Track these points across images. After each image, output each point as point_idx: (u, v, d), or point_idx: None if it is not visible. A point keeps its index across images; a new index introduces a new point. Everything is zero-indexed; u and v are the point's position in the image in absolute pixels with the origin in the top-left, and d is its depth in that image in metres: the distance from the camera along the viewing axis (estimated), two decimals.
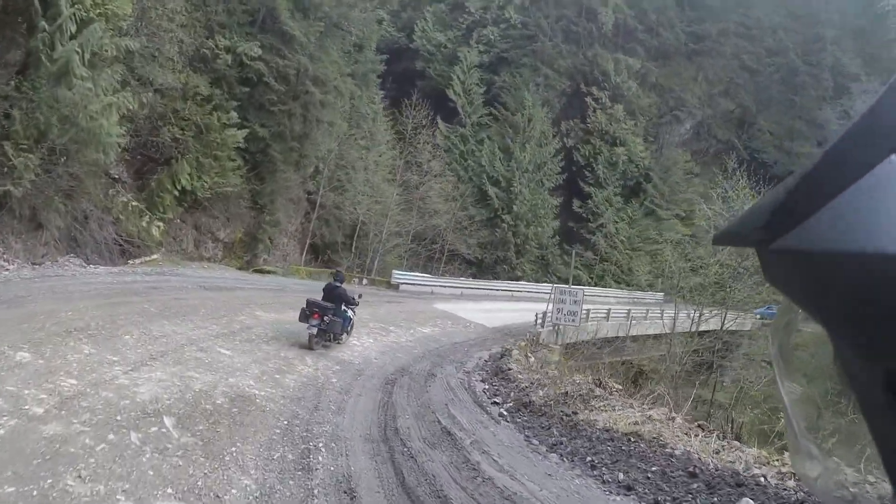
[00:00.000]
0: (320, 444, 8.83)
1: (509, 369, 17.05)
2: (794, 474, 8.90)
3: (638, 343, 38.85)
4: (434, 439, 10.05)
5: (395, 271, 39.92)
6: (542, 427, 11.72)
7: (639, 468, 9.62)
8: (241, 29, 31.80)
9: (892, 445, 0.62)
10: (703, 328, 33.10)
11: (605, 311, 36.15)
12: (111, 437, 7.43)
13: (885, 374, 0.57)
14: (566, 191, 68.10)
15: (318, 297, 15.85)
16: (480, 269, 58.21)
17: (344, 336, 16.57)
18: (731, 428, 18.04)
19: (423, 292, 37.20)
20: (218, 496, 6.67)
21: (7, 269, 17.73)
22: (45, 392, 8.33)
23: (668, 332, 35.52)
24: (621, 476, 9.23)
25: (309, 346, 15.07)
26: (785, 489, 8.77)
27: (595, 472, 9.46)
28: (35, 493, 5.85)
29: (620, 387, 17.87)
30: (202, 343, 13.09)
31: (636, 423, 11.70)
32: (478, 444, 10.11)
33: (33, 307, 13.38)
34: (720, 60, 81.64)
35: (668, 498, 8.60)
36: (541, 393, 14.31)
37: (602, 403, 13.44)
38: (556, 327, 25.99)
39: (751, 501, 8.31)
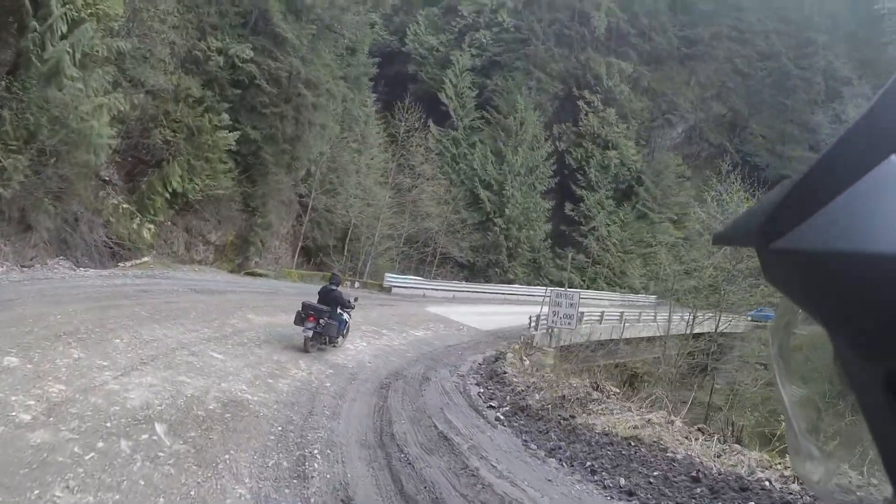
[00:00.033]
0: (316, 451, 8.63)
1: (504, 373, 16.95)
2: (798, 478, 8.75)
3: (631, 346, 38.79)
4: (431, 444, 9.88)
5: (387, 274, 39.77)
6: (540, 431, 11.59)
7: (640, 473, 9.49)
8: (233, 31, 31.59)
9: (892, 446, 0.62)
10: (696, 331, 33.02)
11: (599, 313, 36.09)
12: (100, 445, 7.23)
13: (885, 375, 0.58)
14: (558, 194, 68.19)
15: (312, 300, 15.71)
16: (472, 272, 58.14)
17: (339, 339, 16.51)
18: (732, 431, 17.98)
19: (416, 295, 37.14)
20: None
21: None
22: (32, 398, 8.14)
23: (661, 334, 35.52)
24: (622, 481, 9.11)
25: (305, 349, 15.01)
26: (790, 493, 8.68)
27: (595, 478, 9.32)
28: None
29: (618, 390, 17.76)
30: (194, 347, 12.89)
31: (635, 427, 11.61)
32: (475, 449, 9.95)
33: (22, 310, 13.19)
34: (712, 64, 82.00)
35: (671, 503, 8.46)
36: (537, 396, 14.21)
37: (600, 407, 13.35)
38: (550, 330, 25.93)
39: None
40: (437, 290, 40.69)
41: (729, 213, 32.37)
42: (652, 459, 10.05)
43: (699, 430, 12.57)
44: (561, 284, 47.36)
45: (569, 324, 23.41)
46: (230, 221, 33.96)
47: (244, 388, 10.81)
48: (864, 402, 0.62)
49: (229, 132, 30.30)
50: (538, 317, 26.49)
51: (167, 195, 28.23)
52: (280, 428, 9.32)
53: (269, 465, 7.83)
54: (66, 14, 19.24)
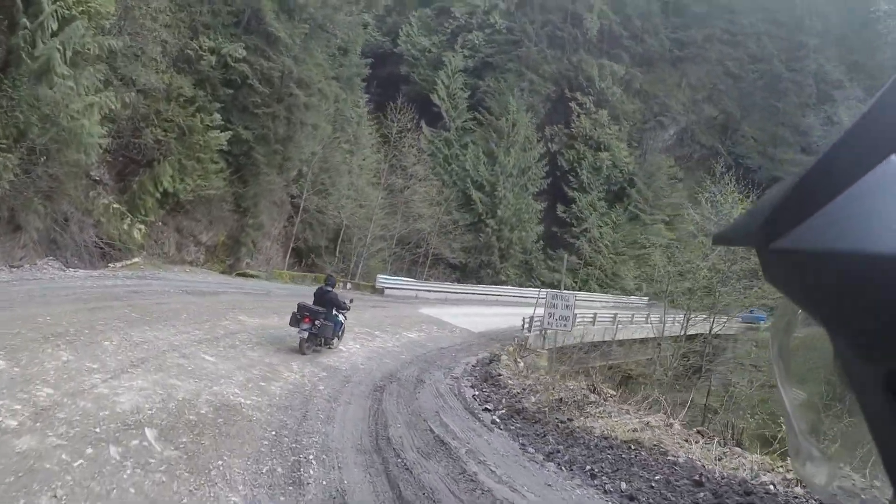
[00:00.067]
0: (311, 456, 8.46)
1: (499, 375, 16.83)
2: (800, 480, 8.68)
3: (624, 347, 38.77)
4: (428, 449, 9.73)
5: (379, 276, 39.53)
6: (537, 435, 11.46)
7: (641, 477, 9.35)
8: (225, 30, 31.45)
9: (892, 446, 0.62)
10: (690, 332, 33.00)
11: (592, 315, 36.01)
12: (89, 451, 7.04)
13: (885, 375, 0.58)
14: (550, 195, 68.26)
15: (304, 301, 15.59)
16: (464, 273, 58.12)
17: (335, 341, 16.40)
18: (732, 434, 17.91)
19: (408, 297, 36.94)
20: None
21: None
22: (19, 402, 7.95)
23: (654, 336, 35.51)
24: (623, 485, 8.96)
25: (300, 351, 14.94)
26: (796, 497, 8.59)
27: (596, 482, 9.18)
28: None
29: (614, 393, 17.67)
30: (185, 349, 12.71)
31: (635, 430, 11.49)
32: (473, 453, 9.81)
33: (9, 312, 13.02)
34: (704, 67, 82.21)
35: None
36: (533, 399, 14.08)
37: (598, 410, 13.24)
38: (544, 332, 25.83)
39: None
40: (429, 291, 40.48)
41: (723, 214, 32.39)
42: (653, 463, 9.92)
43: (699, 432, 12.49)
44: (553, 286, 47.39)
45: (564, 325, 23.28)
46: (221, 222, 33.79)
47: (237, 392, 10.64)
48: (865, 402, 0.62)
49: (221, 132, 30.13)
50: (531, 318, 26.39)
51: (158, 195, 28.07)
52: (274, 433, 9.14)
53: (264, 471, 7.65)
54: (57, 11, 19.08)
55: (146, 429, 8.01)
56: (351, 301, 17.28)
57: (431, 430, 10.74)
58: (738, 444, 13.12)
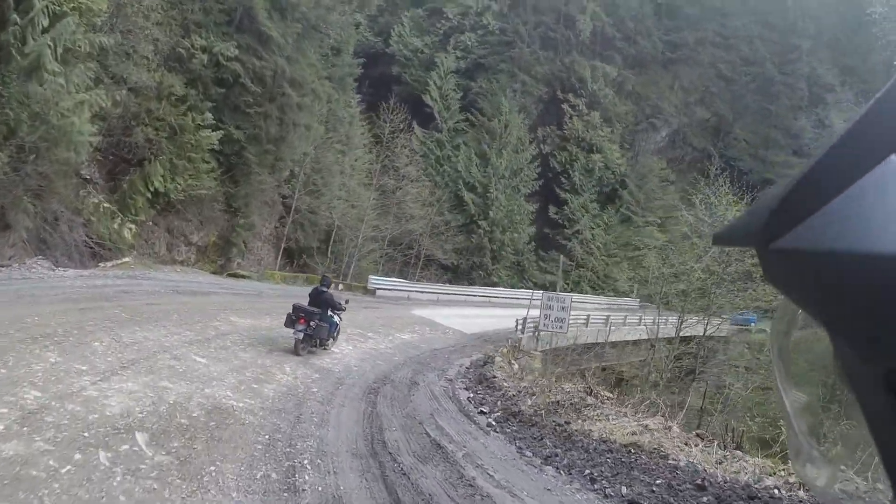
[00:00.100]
0: (305, 461, 8.29)
1: (493, 377, 16.76)
2: (803, 484, 8.59)
3: (617, 349, 38.79)
4: (424, 453, 9.59)
5: (371, 277, 39.45)
6: (534, 438, 11.35)
7: (642, 481, 9.25)
8: (217, 28, 31.25)
9: (892, 446, 0.62)
10: (683, 334, 32.98)
11: (585, 317, 35.97)
12: (78, 457, 6.84)
13: (885, 375, 0.58)
14: (542, 197, 68.27)
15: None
16: (456, 274, 58.08)
17: (330, 341, 16.34)
18: (732, 437, 17.87)
19: (400, 298, 36.88)
20: None
21: None
22: (5, 406, 7.75)
23: (647, 337, 35.54)
24: (624, 490, 8.86)
25: (295, 352, 14.87)
26: (800, 501, 8.50)
27: (596, 486, 9.07)
28: None
29: (611, 395, 17.60)
30: (176, 350, 12.53)
31: (634, 434, 11.43)
32: (470, 457, 9.69)
33: None
34: (697, 69, 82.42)
35: None
36: (529, 402, 14.00)
37: (595, 413, 13.17)
38: (537, 333, 25.81)
39: None
40: (421, 292, 40.42)
41: (717, 216, 32.41)
42: (653, 467, 9.82)
43: (698, 436, 12.45)
44: (545, 287, 47.56)
45: (560, 327, 23.25)
46: (212, 222, 33.65)
47: (229, 394, 10.47)
48: (865, 403, 0.62)
49: (212, 131, 29.98)
50: (525, 320, 26.35)
51: (149, 195, 27.91)
52: (267, 437, 8.96)
53: (258, 477, 7.47)
54: (47, 7, 18.91)
55: (136, 433, 7.82)
56: (346, 302, 17.27)
57: (427, 434, 10.61)
58: (739, 448, 13.05)
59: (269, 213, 38.46)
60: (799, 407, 0.84)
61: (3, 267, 18.96)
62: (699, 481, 9.04)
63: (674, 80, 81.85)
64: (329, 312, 15.82)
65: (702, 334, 32.75)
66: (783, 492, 8.83)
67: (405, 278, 46.57)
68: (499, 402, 13.94)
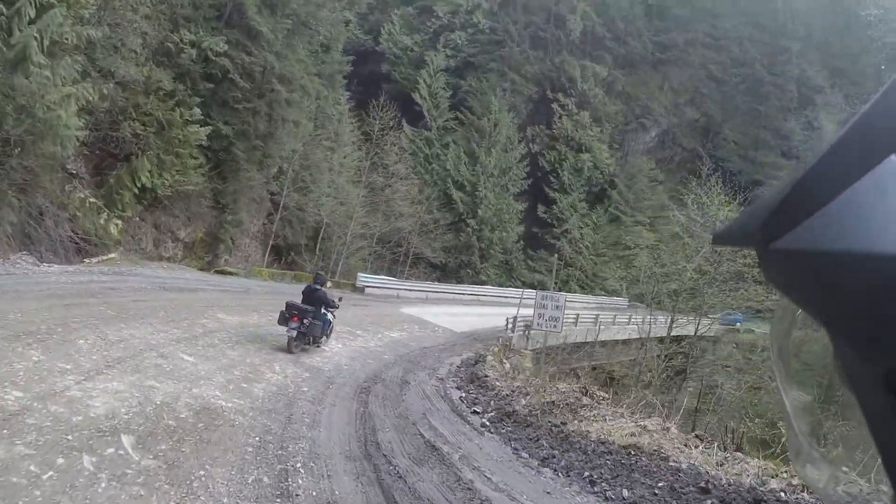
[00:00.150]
0: (298, 464, 8.05)
1: (486, 376, 16.62)
2: (806, 486, 8.54)
3: (607, 348, 38.82)
4: (419, 455, 9.40)
5: (360, 274, 39.30)
6: (530, 439, 11.18)
7: (643, 484, 9.08)
8: (206, 23, 30.98)
9: (892, 446, 0.62)
10: (673, 334, 33.00)
11: (574, 316, 35.94)
12: (60, 461, 6.55)
13: (885, 375, 0.58)
14: (531, 196, 68.53)
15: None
16: (445, 272, 58.08)
17: (323, 339, 16.32)
18: (732, 438, 17.84)
19: (389, 296, 36.81)
20: None
21: None
22: None
23: (637, 337, 35.60)
24: (626, 493, 8.71)
25: (288, 350, 14.78)
26: None
27: (596, 489, 8.91)
28: None
29: (607, 395, 17.50)
30: (163, 348, 12.26)
31: (632, 435, 11.29)
32: (466, 459, 9.50)
33: None
34: (686, 70, 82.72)
35: None
36: (523, 402, 13.85)
37: (592, 413, 13.01)
38: (527, 332, 25.76)
39: None
40: (410, 290, 40.33)
41: (709, 215, 32.46)
42: (654, 469, 9.67)
43: (697, 436, 12.35)
44: (533, 286, 47.61)
45: (554, 326, 23.15)
46: (200, 218, 33.41)
47: (217, 394, 10.22)
48: (865, 403, 0.62)
49: (201, 127, 29.67)
50: (515, 318, 26.28)
51: (136, 190, 27.61)
52: (258, 438, 8.72)
53: (249, 481, 7.22)
54: None
55: (122, 435, 7.53)
56: (340, 299, 17.18)
57: (421, 435, 10.43)
58: (739, 449, 13.00)
59: (257, 209, 38.26)
60: (799, 407, 0.84)
61: None
62: (703, 484, 8.90)
63: (663, 80, 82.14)
64: (322, 310, 15.75)
65: (693, 334, 32.78)
66: (790, 496, 8.71)
67: (394, 276, 46.61)
68: (492, 402, 13.76)
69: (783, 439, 14.25)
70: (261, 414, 9.85)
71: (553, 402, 13.61)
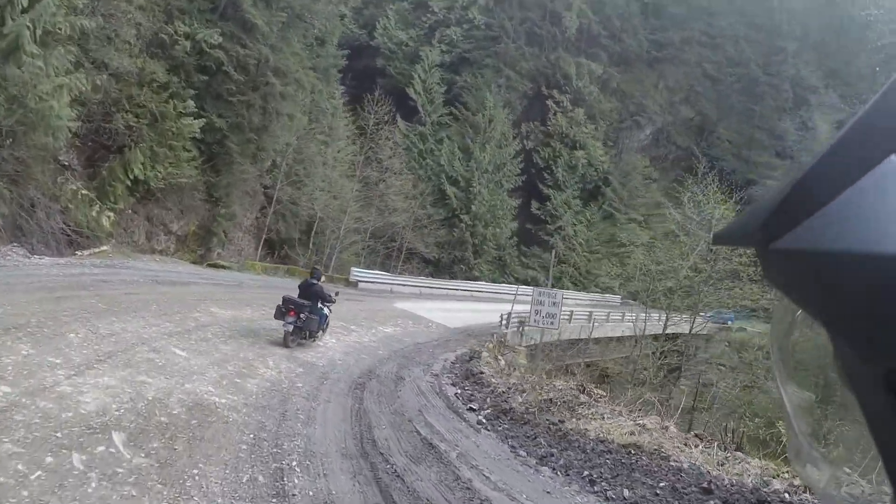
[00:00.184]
0: (294, 463, 7.89)
1: (481, 373, 16.60)
2: (807, 487, 8.46)
3: (600, 345, 38.82)
4: (416, 453, 9.29)
5: (353, 269, 39.21)
6: (528, 436, 11.12)
7: (644, 484, 9.02)
8: (201, 15, 30.73)
9: (892, 446, 0.63)
10: (668, 331, 33.03)
11: (568, 313, 35.94)
12: (49, 460, 6.36)
13: (885, 375, 0.58)
14: (525, 192, 68.53)
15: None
16: (438, 268, 58.07)
17: (320, 333, 16.26)
18: (732, 438, 17.82)
19: (383, 291, 36.77)
20: None
21: None
22: None
23: (630, 334, 35.66)
24: (626, 493, 8.63)
25: (284, 344, 14.78)
26: None
27: (596, 489, 8.83)
28: None
29: (604, 393, 17.45)
30: (155, 343, 12.10)
31: (632, 434, 11.23)
32: (464, 457, 9.41)
33: None
34: (682, 68, 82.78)
35: None
36: (520, 399, 13.78)
37: (590, 411, 12.98)
38: (521, 328, 25.76)
39: None
40: (404, 285, 40.40)
41: (705, 214, 32.48)
42: (655, 469, 9.60)
43: (696, 436, 12.31)
44: (526, 283, 47.63)
45: (551, 323, 23.13)
46: (193, 211, 33.21)
47: (211, 390, 10.05)
48: (865, 403, 0.63)
49: (194, 119, 29.44)
50: (509, 315, 26.25)
51: (128, 182, 27.37)
52: (252, 436, 8.55)
53: (244, 480, 7.05)
54: None
55: (113, 433, 7.35)
56: (336, 294, 17.20)
57: (418, 432, 10.33)
58: (739, 449, 12.94)
59: (250, 203, 38.13)
60: (799, 407, 0.83)
61: None
62: (705, 484, 8.83)
63: (659, 78, 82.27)
64: (319, 305, 15.72)
65: (688, 332, 32.83)
66: (793, 497, 8.63)
67: (387, 271, 46.46)
68: (488, 399, 13.71)
69: (781, 439, 14.23)
70: (255, 410, 9.71)
71: (550, 399, 13.58)
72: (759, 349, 33.92)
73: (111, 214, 26.34)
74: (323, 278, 17.00)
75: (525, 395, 14.19)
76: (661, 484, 8.92)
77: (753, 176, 68.47)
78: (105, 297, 15.60)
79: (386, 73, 68.24)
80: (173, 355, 11.57)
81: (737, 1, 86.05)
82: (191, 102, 29.36)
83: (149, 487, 6.33)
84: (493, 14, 74.44)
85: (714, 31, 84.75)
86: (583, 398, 14.34)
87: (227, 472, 7.17)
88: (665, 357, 31.56)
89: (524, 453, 10.10)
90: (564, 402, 13.45)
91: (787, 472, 9.64)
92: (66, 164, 25.68)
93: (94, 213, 25.14)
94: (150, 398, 8.88)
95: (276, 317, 15.00)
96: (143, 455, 7.03)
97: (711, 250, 29.80)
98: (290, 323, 14.73)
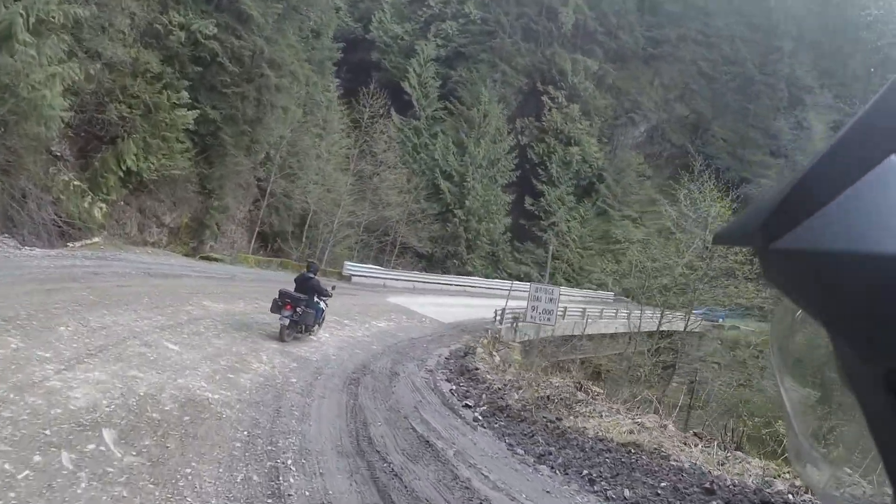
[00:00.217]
0: (289, 461, 7.74)
1: (476, 369, 16.53)
2: (808, 488, 8.38)
3: (594, 342, 38.83)
4: (413, 451, 9.16)
5: (347, 263, 39.09)
6: (525, 434, 11.02)
7: (645, 483, 8.93)
8: (196, 6, 30.51)
9: (892, 447, 0.63)
10: (661, 329, 33.04)
11: (562, 309, 35.94)
12: (38, 459, 6.16)
13: (885, 375, 0.59)
14: (519, 188, 68.65)
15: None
16: (431, 262, 58.04)
17: (316, 327, 16.36)
18: (732, 437, 17.79)
19: (376, 285, 36.66)
20: None
21: None
22: None
23: (624, 331, 35.70)
24: (627, 493, 8.54)
25: (281, 338, 14.77)
26: None
27: (596, 488, 8.73)
28: None
29: (601, 390, 17.38)
30: (146, 336, 11.91)
31: (631, 432, 11.17)
32: (461, 455, 9.31)
33: None
34: (677, 66, 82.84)
35: None
36: (516, 396, 13.74)
37: (587, 409, 12.90)
38: (515, 324, 25.71)
39: None
40: (397, 280, 40.22)
41: (701, 211, 32.48)
42: (656, 468, 9.53)
43: (696, 434, 12.24)
44: (519, 278, 47.63)
45: (548, 319, 23.04)
46: (186, 203, 33.06)
47: (203, 385, 9.89)
48: (865, 403, 0.63)
49: (188, 111, 29.31)
50: (503, 310, 26.20)
51: (121, 173, 27.20)
52: (246, 433, 8.40)
53: (238, 480, 6.89)
54: None
55: (104, 430, 7.16)
56: (333, 288, 17.37)
57: (414, 429, 10.22)
58: (739, 448, 12.89)
59: (243, 195, 37.96)
60: (799, 407, 0.83)
61: None
62: (707, 485, 8.74)
63: (654, 75, 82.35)
64: (315, 299, 15.75)
65: (682, 329, 32.82)
66: (795, 497, 8.55)
67: (380, 265, 46.39)
68: (483, 396, 13.62)
69: (780, 438, 14.23)
70: (248, 406, 9.56)
71: (547, 396, 13.52)
72: (750, 347, 34.01)
73: (103, 206, 26.16)
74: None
75: (521, 391, 14.14)
76: (663, 484, 8.84)
77: (747, 174, 68.81)
78: (96, 289, 15.43)
79: (381, 67, 68.14)
80: (165, 349, 11.41)
81: (734, 0, 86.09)
82: (185, 93, 29.23)
83: (140, 487, 6.15)
84: (489, 9, 74.43)
85: (710, 29, 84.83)
86: (580, 395, 14.30)
87: (221, 470, 7.02)
88: (660, 354, 31.57)
89: (522, 451, 10.00)
90: (561, 399, 13.38)
91: (789, 472, 9.59)
92: (59, 154, 25.50)
93: (86, 205, 24.97)
94: (141, 394, 8.72)
95: (272, 310, 15.01)
96: (134, 453, 6.86)
97: (707, 248, 29.79)
98: (286, 317, 14.70)
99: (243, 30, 31.63)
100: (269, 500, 6.62)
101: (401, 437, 9.74)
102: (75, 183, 25.02)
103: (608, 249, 65.16)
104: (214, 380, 10.38)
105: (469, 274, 56.33)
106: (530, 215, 68.20)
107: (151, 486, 6.24)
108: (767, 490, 8.74)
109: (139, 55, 27.12)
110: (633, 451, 10.22)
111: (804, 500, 8.46)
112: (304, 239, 42.83)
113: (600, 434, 10.97)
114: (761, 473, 9.50)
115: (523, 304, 24.57)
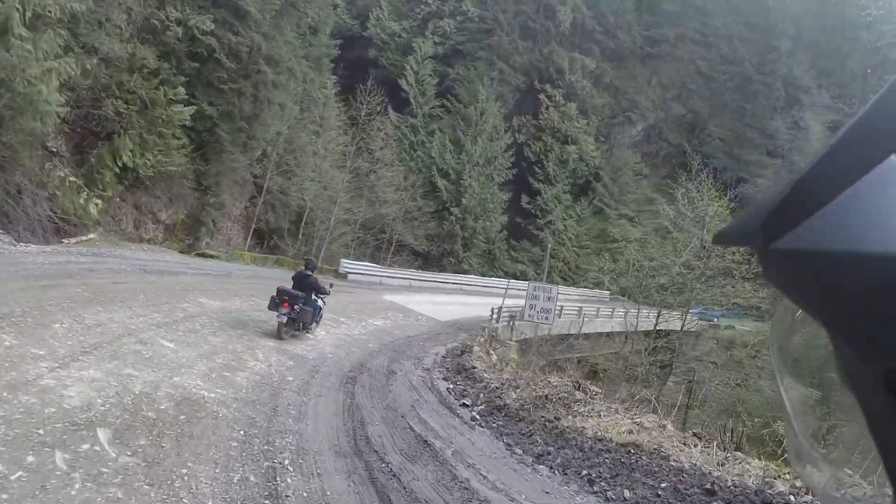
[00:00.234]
0: (286, 461, 7.67)
1: (473, 367, 16.45)
2: (809, 489, 8.37)
3: (590, 341, 38.83)
4: (411, 451, 9.10)
5: (343, 260, 38.97)
6: (523, 434, 10.98)
7: (645, 484, 8.89)
8: (193, 1, 30.37)
9: (892, 447, 0.63)
10: (658, 328, 33.08)
11: (559, 308, 35.94)
12: (31, 459, 6.07)
13: (885, 375, 0.59)
14: (515, 186, 68.71)
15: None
16: (427, 260, 57.95)
17: (313, 325, 16.30)
18: (731, 437, 17.78)
19: (372, 283, 36.61)
20: None
21: None
22: None
23: (620, 330, 35.71)
24: (627, 493, 8.51)
25: (278, 335, 14.73)
26: None
27: (595, 489, 8.70)
28: None
29: (599, 390, 17.33)
30: (142, 334, 11.83)
31: (630, 432, 11.14)
32: (459, 455, 9.26)
33: None
34: (675, 65, 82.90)
35: None
36: (514, 395, 13.66)
37: (585, 409, 12.85)
38: (511, 323, 25.67)
39: None
40: (393, 277, 40.22)
41: (699, 210, 32.48)
42: (655, 469, 9.50)
43: (695, 435, 12.21)
44: (515, 276, 47.59)
45: (546, 318, 23.01)
46: (182, 200, 32.95)
47: (199, 384, 9.81)
48: (865, 403, 0.63)
49: (185, 107, 29.19)
50: (500, 309, 26.15)
51: (117, 170, 27.12)
52: (242, 432, 8.32)
53: (235, 480, 6.81)
54: None
55: (98, 429, 7.08)
56: (331, 285, 17.24)
57: (411, 428, 10.18)
58: (738, 449, 12.86)
59: (239, 192, 37.88)
60: (799, 407, 0.83)
61: None
62: (708, 485, 8.70)
63: (652, 75, 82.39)
64: (313, 296, 15.72)
65: (679, 329, 32.83)
66: (796, 498, 8.51)
67: (377, 263, 46.33)
68: (481, 395, 13.57)
69: (779, 438, 14.22)
70: (245, 405, 9.48)
71: (545, 396, 13.48)
72: (748, 347, 34.02)
73: (99, 202, 26.08)
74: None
75: (519, 390, 14.08)
76: (663, 484, 8.80)
77: (744, 174, 69.05)
78: (91, 286, 15.35)
79: (378, 64, 68.16)
80: (161, 347, 11.33)
81: (732, 0, 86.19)
82: (181, 89, 29.14)
83: (135, 488, 6.07)
84: (486, 6, 74.43)
85: (708, 29, 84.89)
86: (578, 395, 14.24)
87: (218, 471, 6.94)
88: (657, 354, 31.57)
89: (520, 451, 9.96)
90: (559, 398, 13.34)
91: (789, 473, 9.56)
92: (54, 150, 25.41)
93: (81, 201, 24.88)
94: (136, 392, 8.63)
95: (269, 308, 14.97)
96: (129, 453, 6.78)
97: (704, 247, 29.79)
98: (283, 314, 14.67)
99: (240, 26, 31.51)
100: (267, 502, 6.56)
101: (398, 436, 9.68)
102: (71, 179, 24.93)
103: (605, 248, 65.08)
104: (210, 378, 10.30)
105: (465, 272, 56.37)
106: (527, 214, 68.21)
107: (147, 486, 6.16)
108: (768, 491, 8.70)
109: (136, 51, 27.02)
110: (632, 451, 10.19)
111: (805, 502, 8.43)
112: (300, 236, 42.76)
113: (599, 434, 10.93)
114: (762, 474, 9.46)
115: (520, 302, 24.53)
